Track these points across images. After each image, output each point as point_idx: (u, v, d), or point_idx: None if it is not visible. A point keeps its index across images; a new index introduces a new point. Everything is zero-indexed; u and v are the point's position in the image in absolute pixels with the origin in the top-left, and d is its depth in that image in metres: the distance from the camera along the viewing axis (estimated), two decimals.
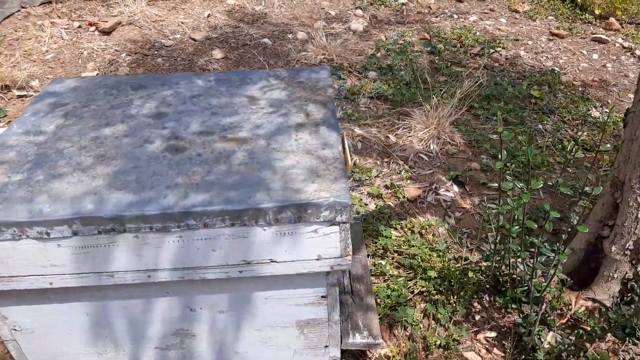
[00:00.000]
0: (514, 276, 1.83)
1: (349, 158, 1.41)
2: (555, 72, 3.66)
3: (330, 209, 1.16)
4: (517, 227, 1.58)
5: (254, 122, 1.45)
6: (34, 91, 3.32)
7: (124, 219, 1.14)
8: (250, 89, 1.64)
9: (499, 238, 1.81)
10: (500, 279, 1.93)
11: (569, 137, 2.94)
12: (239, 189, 1.19)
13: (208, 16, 4.40)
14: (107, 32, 4.01)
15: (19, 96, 3.28)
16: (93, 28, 4.08)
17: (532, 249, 1.74)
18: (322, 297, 1.37)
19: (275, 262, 1.24)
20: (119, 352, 1.45)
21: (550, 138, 2.91)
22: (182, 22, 4.26)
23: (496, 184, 1.60)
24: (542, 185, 1.51)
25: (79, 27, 4.10)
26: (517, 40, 4.21)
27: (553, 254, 1.60)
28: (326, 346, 1.49)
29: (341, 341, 1.59)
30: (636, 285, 1.62)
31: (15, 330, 1.40)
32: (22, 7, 4.44)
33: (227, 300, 1.35)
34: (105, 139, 1.39)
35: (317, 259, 1.24)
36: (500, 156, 1.52)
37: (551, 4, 4.98)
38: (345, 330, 1.62)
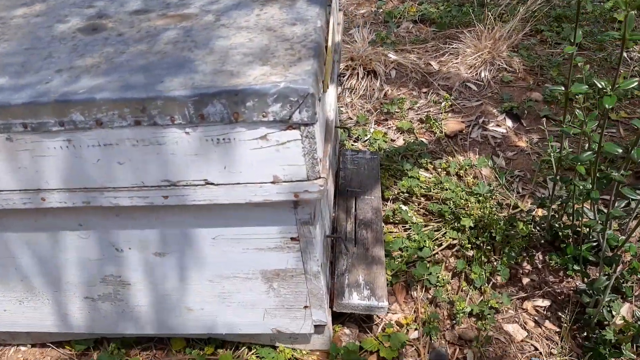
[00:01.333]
0: (579, 229, 1.35)
1: (337, 39, 0.98)
2: None
3: (282, 100, 0.75)
4: (589, 153, 1.09)
5: None
6: None
7: None
8: None
9: (559, 176, 1.33)
10: (560, 233, 1.45)
11: None
12: (151, 72, 0.80)
13: None
14: None
15: None
16: None
17: (607, 192, 1.25)
18: (292, 239, 0.97)
19: (212, 184, 0.85)
20: (40, 300, 1.14)
21: (636, 67, 2.30)
22: None
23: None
24: (635, 83, 1.00)
25: None
26: None
27: (638, 198, 1.11)
28: (306, 307, 1.10)
29: (332, 301, 1.20)
30: None
31: None
32: None
33: (160, 238, 0.98)
34: (11, 20, 1.04)
35: (273, 182, 0.84)
36: (573, 38, 1.03)
37: None
38: (341, 287, 1.23)
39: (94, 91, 0.77)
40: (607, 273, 1.19)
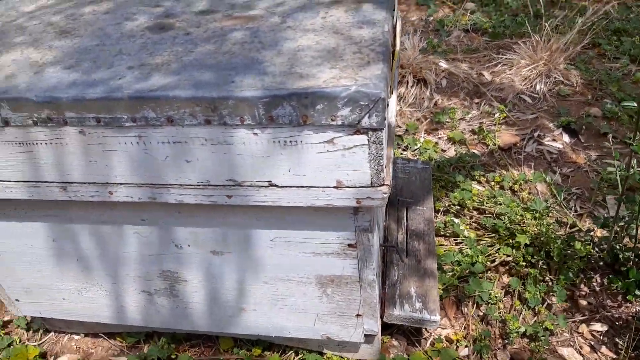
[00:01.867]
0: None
1: (398, 46, 0.97)
2: None
3: (352, 104, 0.74)
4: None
5: (273, 0, 1.05)
6: None
7: (60, 103, 0.81)
8: None
9: (624, 197, 1.27)
10: (621, 255, 1.39)
11: None
12: (220, 72, 0.81)
13: None
14: None
15: None
16: None
17: None
18: (350, 245, 0.96)
19: (276, 185, 0.85)
20: (99, 291, 1.16)
21: None
22: None
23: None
24: None
25: None
26: None
27: None
28: (358, 315, 1.09)
29: (382, 311, 1.18)
30: None
31: None
32: None
33: (221, 237, 0.99)
34: (81, 17, 1.07)
35: (337, 187, 0.83)
36: None
37: None
38: (392, 297, 1.21)
39: (166, 89, 0.78)
40: None
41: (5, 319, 1.47)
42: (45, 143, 0.87)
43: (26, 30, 1.03)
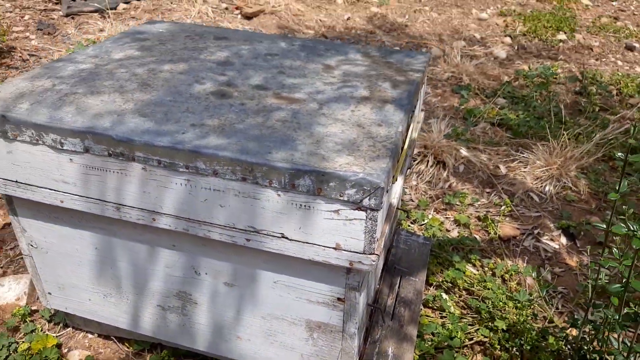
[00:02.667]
0: (607, 356, 1.41)
1: (410, 152, 1.17)
2: None
3: (357, 187, 0.94)
4: (619, 285, 1.19)
5: (316, 87, 1.28)
6: None
7: (133, 144, 1.03)
8: (330, 59, 1.48)
9: (594, 302, 1.41)
10: (588, 356, 1.51)
11: None
12: (262, 142, 1.02)
13: (347, 19, 4.36)
14: (248, 17, 4.14)
15: None
16: (237, 11, 4.24)
17: (634, 324, 1.32)
18: (339, 299, 1.13)
19: (286, 238, 1.04)
20: (122, 299, 1.36)
21: None
22: (320, 20, 4.26)
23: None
24: None
25: (226, 8, 4.29)
26: None
27: None
28: None
29: None
30: None
31: (31, 246, 1.37)
32: None
33: (233, 271, 1.18)
34: (160, 73, 1.32)
35: (335, 248, 1.02)
36: (618, 187, 1.16)
37: None
38: (371, 354, 1.36)
39: (218, 149, 0.99)
40: None
41: (33, 308, 1.67)
42: (113, 171, 1.09)
43: (114, 76, 1.28)
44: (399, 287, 1.60)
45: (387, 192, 0.98)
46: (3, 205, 2.05)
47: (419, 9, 4.66)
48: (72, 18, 3.86)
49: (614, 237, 2.07)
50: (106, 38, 3.43)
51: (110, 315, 1.41)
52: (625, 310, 1.21)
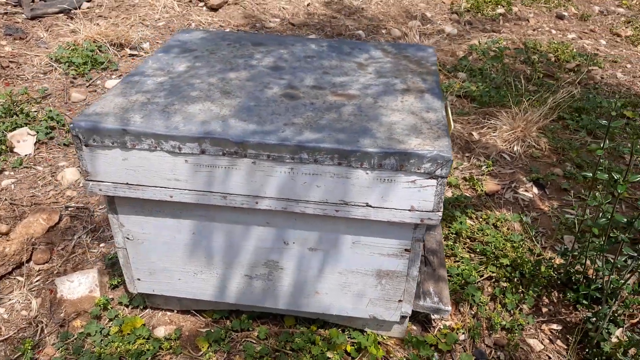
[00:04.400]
0: (589, 275, 1.84)
1: (452, 124, 1.49)
2: None
3: (432, 161, 1.25)
4: (604, 219, 1.60)
5: (362, 83, 1.57)
6: (144, 52, 3.62)
7: (247, 144, 1.28)
8: (358, 57, 1.76)
9: (578, 235, 1.83)
10: (573, 278, 1.94)
11: None
12: (348, 134, 1.31)
13: (307, 5, 4.59)
14: (214, 9, 4.29)
15: (131, 55, 3.58)
16: (202, 4, 4.37)
17: (614, 250, 1.74)
18: (406, 250, 1.46)
19: (370, 206, 1.34)
20: (211, 274, 1.61)
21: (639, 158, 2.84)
22: (283, 8, 4.47)
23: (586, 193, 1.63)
24: (638, 178, 1.53)
25: (190, 1, 4.40)
26: (616, 62, 4.10)
27: (635, 254, 1.61)
28: (400, 300, 1.57)
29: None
30: None
31: (127, 239, 1.58)
32: None
33: (319, 238, 1.47)
34: (231, 81, 1.56)
35: (410, 210, 1.34)
36: (603, 144, 1.55)
37: None
38: (418, 294, 1.70)
39: (317, 142, 1.27)
40: (609, 306, 1.67)
41: (110, 296, 1.88)
42: (224, 167, 1.34)
43: (195, 87, 1.51)
44: (423, 240, 1.94)
45: (451, 163, 1.31)
46: (45, 210, 2.19)
47: None
48: (39, 21, 3.86)
49: (584, 183, 2.53)
50: (85, 39, 3.50)
51: (197, 290, 1.66)
52: (613, 236, 1.62)
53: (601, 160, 1.64)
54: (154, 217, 1.51)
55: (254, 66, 1.66)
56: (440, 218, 1.34)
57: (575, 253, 1.89)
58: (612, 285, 1.73)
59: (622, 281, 1.67)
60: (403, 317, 1.65)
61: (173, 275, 1.64)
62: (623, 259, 1.71)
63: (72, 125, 1.34)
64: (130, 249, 1.61)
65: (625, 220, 1.56)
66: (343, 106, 1.44)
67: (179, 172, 1.37)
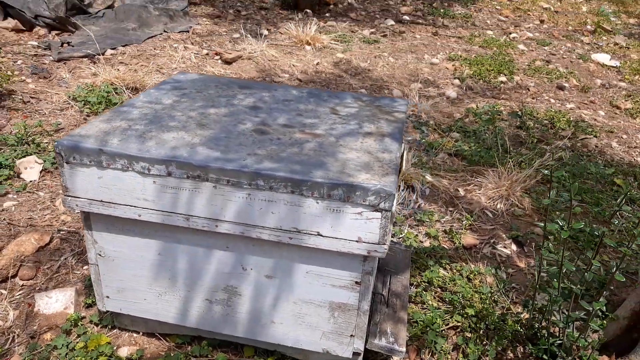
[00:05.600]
0: (551, 329, 1.85)
1: (404, 166, 1.59)
2: None
3: (376, 194, 1.34)
4: (555, 268, 1.63)
5: (330, 125, 1.69)
6: None
7: (209, 168, 1.40)
8: (334, 103, 1.90)
9: (536, 286, 1.86)
10: (538, 332, 1.94)
11: None
12: (304, 166, 1.41)
13: (317, 64, 4.85)
14: (228, 62, 4.56)
15: None
16: (218, 57, 4.65)
17: (571, 301, 1.77)
18: (356, 282, 1.52)
19: (321, 235, 1.42)
20: (175, 296, 1.68)
21: (624, 224, 2.86)
22: (293, 65, 4.73)
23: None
24: (582, 225, 1.59)
25: (207, 54, 4.70)
26: (612, 132, 4.19)
27: (589, 306, 1.63)
28: (352, 335, 1.61)
29: (366, 340, 1.71)
30: None
31: (100, 255, 1.68)
32: (165, 32, 5.17)
33: (274, 265, 1.54)
34: (209, 115, 1.69)
35: (357, 241, 1.41)
36: (549, 194, 1.62)
37: None
38: (374, 333, 1.74)
39: (274, 170, 1.38)
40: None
41: (82, 314, 1.95)
42: (188, 190, 1.45)
43: (175, 118, 1.65)
44: (390, 283, 1.99)
45: (395, 197, 1.39)
46: (37, 231, 2.31)
47: (379, 54, 5.22)
48: (64, 63, 4.15)
49: (549, 236, 2.56)
50: (103, 82, 3.75)
51: (161, 311, 1.73)
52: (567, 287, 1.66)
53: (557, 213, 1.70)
54: (124, 235, 1.61)
55: (234, 105, 1.80)
56: (386, 251, 1.41)
57: (539, 306, 1.91)
58: (569, 340, 1.74)
59: (577, 335, 1.68)
60: (356, 354, 1.68)
61: (139, 295, 1.72)
62: (581, 313, 1.73)
63: (56, 143, 1.47)
64: (101, 265, 1.70)
65: (574, 269, 1.60)
66: (306, 142, 1.55)
67: (147, 192, 1.48)
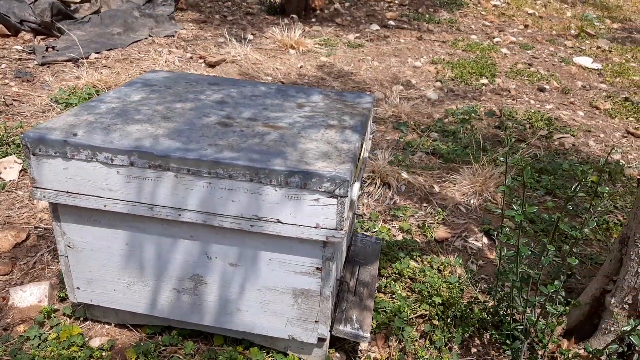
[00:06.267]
0: (515, 315, 1.89)
1: (364, 155, 1.64)
2: (620, 163, 3.67)
3: (331, 181, 1.39)
4: (512, 252, 1.68)
5: (294, 119, 1.74)
6: None
7: (169, 158, 1.44)
8: (300, 99, 1.95)
9: (498, 272, 1.90)
10: (503, 319, 1.99)
11: (616, 220, 2.94)
12: (263, 155, 1.46)
13: (300, 67, 4.91)
14: (212, 65, 4.61)
15: None
16: (201, 60, 4.70)
17: (529, 286, 1.81)
18: (317, 268, 1.56)
19: (281, 222, 1.47)
20: (143, 286, 1.72)
21: (596, 218, 2.92)
22: (277, 68, 4.79)
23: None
24: (535, 209, 1.64)
25: (191, 57, 4.75)
26: (589, 131, 4.27)
27: (546, 290, 1.68)
28: (316, 321, 1.65)
29: (332, 327, 1.75)
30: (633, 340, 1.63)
31: (69, 247, 1.71)
32: (150, 36, 5.22)
33: (238, 253, 1.59)
34: (175, 109, 1.74)
35: (316, 227, 1.46)
36: (505, 181, 1.67)
37: (635, 107, 4.98)
38: (339, 320, 1.78)
39: (232, 159, 1.42)
40: (522, 342, 1.72)
41: (55, 307, 1.98)
42: (151, 179, 1.49)
43: (141, 112, 1.69)
44: (358, 273, 2.03)
45: (350, 185, 1.44)
46: (14, 228, 2.34)
47: (363, 58, 5.29)
48: (48, 67, 4.19)
49: (508, 222, 2.61)
50: (85, 84, 3.80)
51: (131, 302, 1.76)
52: (520, 272, 1.71)
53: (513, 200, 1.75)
54: (92, 226, 1.65)
55: (201, 100, 1.85)
56: (344, 236, 1.46)
57: (503, 293, 1.96)
58: (529, 323, 1.78)
59: (534, 319, 1.73)
60: (321, 340, 1.72)
61: (108, 286, 1.75)
62: (541, 299, 1.77)
63: (22, 135, 1.51)
64: (71, 257, 1.73)
65: (530, 252, 1.64)
66: (268, 134, 1.60)
67: (112, 182, 1.52)
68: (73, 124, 1.58)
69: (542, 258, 1.66)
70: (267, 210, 1.46)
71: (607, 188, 1.69)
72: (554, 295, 1.78)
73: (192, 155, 1.44)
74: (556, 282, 1.68)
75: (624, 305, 1.72)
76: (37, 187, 1.57)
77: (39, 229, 2.41)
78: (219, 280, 1.65)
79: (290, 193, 1.43)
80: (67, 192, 1.56)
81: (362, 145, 1.67)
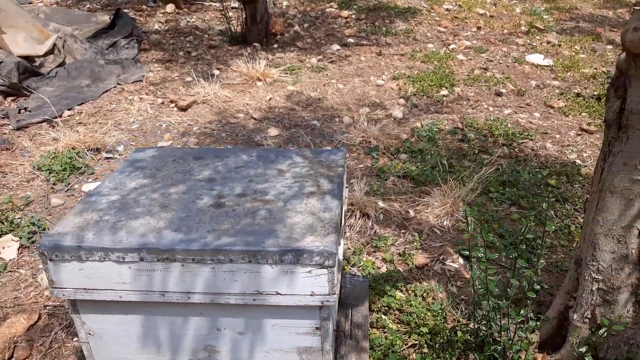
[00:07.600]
0: (493, 335, 2.13)
1: (344, 220, 1.84)
2: (576, 164, 3.97)
3: (320, 255, 1.59)
4: (481, 289, 1.92)
5: (278, 189, 1.94)
6: (119, 154, 4.02)
7: (175, 251, 1.62)
8: (280, 164, 2.14)
9: (474, 300, 2.14)
10: (484, 340, 2.22)
11: (577, 223, 3.21)
12: (257, 236, 1.65)
13: (269, 99, 5.09)
14: (184, 109, 4.76)
15: (107, 158, 3.99)
16: (173, 105, 4.85)
17: (500, 314, 2.05)
18: (316, 328, 1.76)
19: (280, 294, 1.66)
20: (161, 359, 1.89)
21: (558, 223, 3.19)
22: (247, 103, 4.96)
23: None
24: (496, 256, 1.88)
25: (162, 103, 4.89)
26: (546, 133, 4.56)
27: (518, 317, 1.91)
28: None
29: None
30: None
31: (89, 334, 1.87)
32: (118, 84, 5.34)
33: (244, 323, 1.77)
34: (170, 195, 1.92)
35: (311, 295, 1.66)
36: (467, 227, 1.90)
37: (586, 102, 5.31)
38: None
39: (231, 245, 1.61)
40: None
41: None
42: (160, 270, 1.67)
43: (139, 203, 1.86)
44: (351, 315, 2.24)
45: (337, 254, 1.64)
46: (25, 311, 2.48)
47: (327, 82, 5.50)
48: (24, 131, 4.29)
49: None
50: (65, 147, 3.90)
51: None
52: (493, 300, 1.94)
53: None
54: (109, 314, 1.81)
55: (192, 180, 2.02)
56: (336, 300, 1.66)
57: (481, 316, 2.19)
58: (504, 345, 2.02)
59: (509, 339, 1.96)
60: None
61: None
62: (514, 321, 2.01)
63: (39, 245, 1.67)
64: (92, 343, 1.89)
65: (497, 290, 1.88)
66: (257, 211, 1.79)
67: (124, 277, 1.69)
68: (81, 226, 1.75)
69: (508, 289, 1.89)
70: (267, 285, 1.66)
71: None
72: (524, 318, 2.01)
73: (195, 246, 1.62)
74: (522, 311, 1.91)
75: (585, 320, 1.96)
76: (55, 287, 1.73)
77: (48, 308, 2.55)
78: (230, 347, 1.83)
79: (285, 268, 1.62)
80: (85, 288, 1.73)
81: (342, 208, 1.87)
